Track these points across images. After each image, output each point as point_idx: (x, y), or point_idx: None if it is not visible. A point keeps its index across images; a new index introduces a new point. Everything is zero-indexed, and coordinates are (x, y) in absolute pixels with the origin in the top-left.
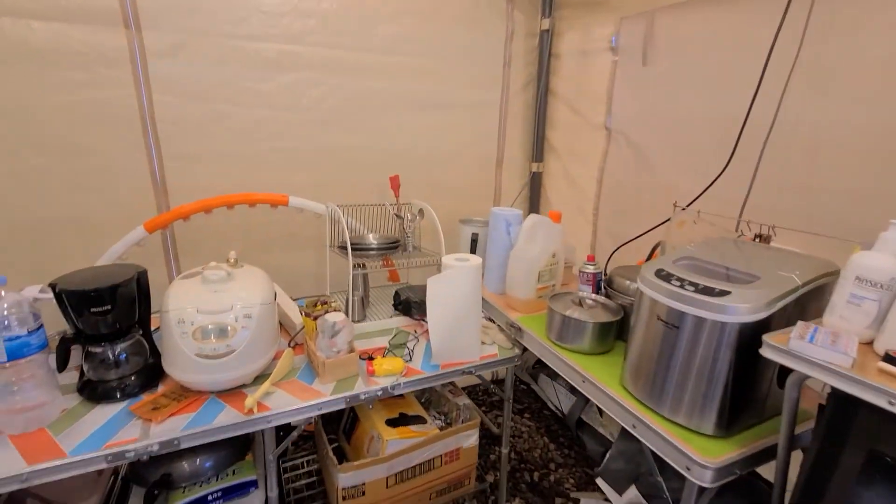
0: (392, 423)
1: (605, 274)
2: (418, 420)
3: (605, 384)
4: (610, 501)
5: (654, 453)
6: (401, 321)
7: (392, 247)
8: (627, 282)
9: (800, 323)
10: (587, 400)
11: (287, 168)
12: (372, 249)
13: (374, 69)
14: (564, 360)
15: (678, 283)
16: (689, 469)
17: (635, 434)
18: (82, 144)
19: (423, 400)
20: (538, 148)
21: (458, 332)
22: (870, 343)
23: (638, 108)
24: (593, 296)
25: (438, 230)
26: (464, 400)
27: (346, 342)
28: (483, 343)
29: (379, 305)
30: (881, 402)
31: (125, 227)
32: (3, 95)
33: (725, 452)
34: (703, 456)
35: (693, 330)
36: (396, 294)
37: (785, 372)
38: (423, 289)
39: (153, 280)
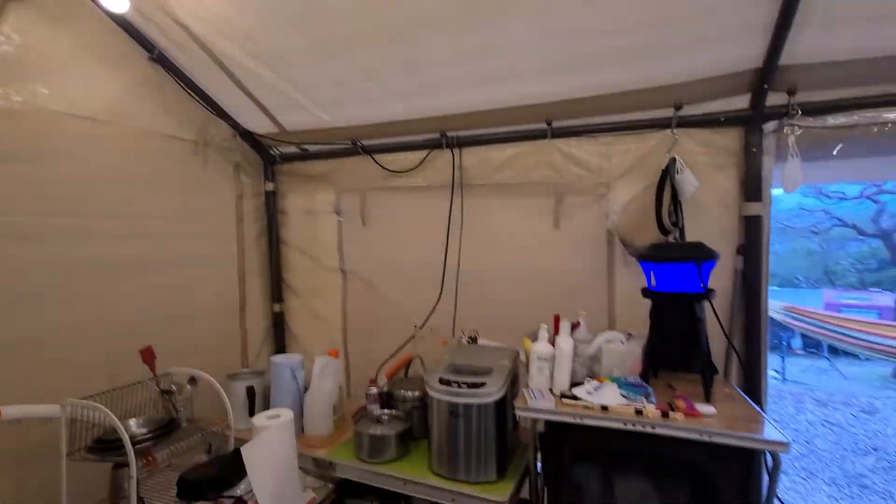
0: None
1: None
2: None
3: (421, 476)
4: None
5: None
6: None
7: (167, 429)
8: (404, 392)
9: (524, 390)
10: (400, 498)
11: None
12: (144, 440)
13: (94, 234)
14: (380, 473)
15: (456, 385)
16: None
17: None
18: None
19: None
20: (277, 289)
21: (284, 485)
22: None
23: (365, 254)
24: (385, 411)
25: (221, 392)
26: None
27: None
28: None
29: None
30: (569, 419)
31: None
32: None
33: (507, 489)
34: (497, 495)
35: (470, 414)
36: (182, 480)
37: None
38: (217, 462)
39: None
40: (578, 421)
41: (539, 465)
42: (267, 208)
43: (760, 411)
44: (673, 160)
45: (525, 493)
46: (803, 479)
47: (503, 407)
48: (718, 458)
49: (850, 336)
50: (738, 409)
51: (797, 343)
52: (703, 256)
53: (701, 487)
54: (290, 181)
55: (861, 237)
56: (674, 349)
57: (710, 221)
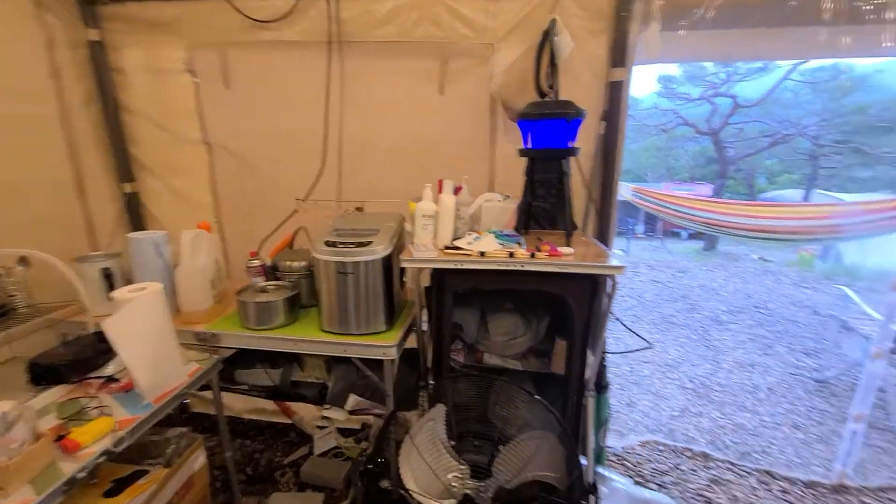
0: (111, 493)
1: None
2: (139, 475)
3: (312, 336)
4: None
5: (361, 360)
6: (53, 394)
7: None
8: (290, 262)
9: (409, 245)
10: (293, 360)
11: None
12: None
13: None
14: (270, 337)
15: (343, 246)
16: (384, 353)
17: (347, 354)
18: None
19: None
20: (125, 166)
21: (161, 358)
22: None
23: (233, 123)
24: (270, 283)
25: (68, 272)
26: (174, 431)
27: (28, 430)
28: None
29: None
30: (451, 265)
31: None
32: None
33: (396, 335)
34: (387, 342)
35: (359, 271)
36: (34, 365)
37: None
38: (75, 345)
39: None
40: (459, 266)
41: (425, 317)
42: (94, 64)
43: (607, 249)
44: (553, 21)
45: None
46: (631, 320)
47: (390, 263)
48: (573, 287)
49: (681, 211)
50: (590, 250)
51: (640, 229)
52: (573, 113)
53: (559, 314)
54: (124, 30)
55: (697, 135)
56: (543, 201)
57: (580, 88)
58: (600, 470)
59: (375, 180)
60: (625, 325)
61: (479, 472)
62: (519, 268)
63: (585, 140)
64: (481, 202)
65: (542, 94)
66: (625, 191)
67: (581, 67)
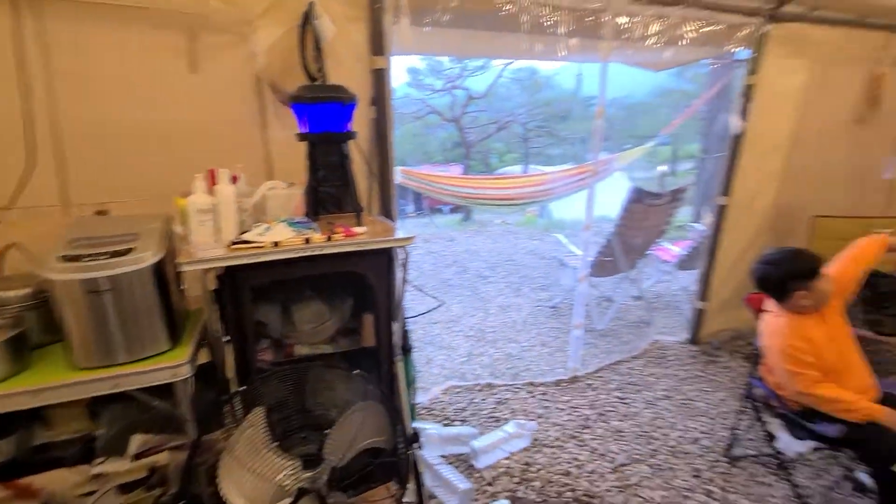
0: None
1: None
2: None
3: (60, 379)
4: None
5: (143, 391)
6: None
7: None
8: (2, 293)
9: (186, 247)
10: (32, 420)
11: None
12: None
13: None
14: None
15: (89, 259)
16: (174, 375)
17: (120, 389)
18: None
19: None
20: None
21: None
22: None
23: None
24: None
25: None
26: None
27: None
28: None
29: None
30: (245, 260)
31: None
32: None
33: (186, 351)
34: (175, 361)
35: (120, 286)
36: None
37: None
38: None
39: None
40: (254, 260)
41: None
42: None
43: (394, 225)
44: (311, 3)
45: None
46: (413, 292)
47: (162, 271)
48: (371, 264)
49: (442, 188)
50: (380, 227)
51: (410, 208)
52: (347, 97)
53: (360, 293)
54: None
55: (444, 122)
56: (329, 185)
57: (347, 72)
58: (414, 424)
59: (118, 176)
60: (419, 290)
61: (312, 461)
62: (318, 252)
63: (360, 125)
64: (264, 191)
65: (311, 78)
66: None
67: (345, 53)
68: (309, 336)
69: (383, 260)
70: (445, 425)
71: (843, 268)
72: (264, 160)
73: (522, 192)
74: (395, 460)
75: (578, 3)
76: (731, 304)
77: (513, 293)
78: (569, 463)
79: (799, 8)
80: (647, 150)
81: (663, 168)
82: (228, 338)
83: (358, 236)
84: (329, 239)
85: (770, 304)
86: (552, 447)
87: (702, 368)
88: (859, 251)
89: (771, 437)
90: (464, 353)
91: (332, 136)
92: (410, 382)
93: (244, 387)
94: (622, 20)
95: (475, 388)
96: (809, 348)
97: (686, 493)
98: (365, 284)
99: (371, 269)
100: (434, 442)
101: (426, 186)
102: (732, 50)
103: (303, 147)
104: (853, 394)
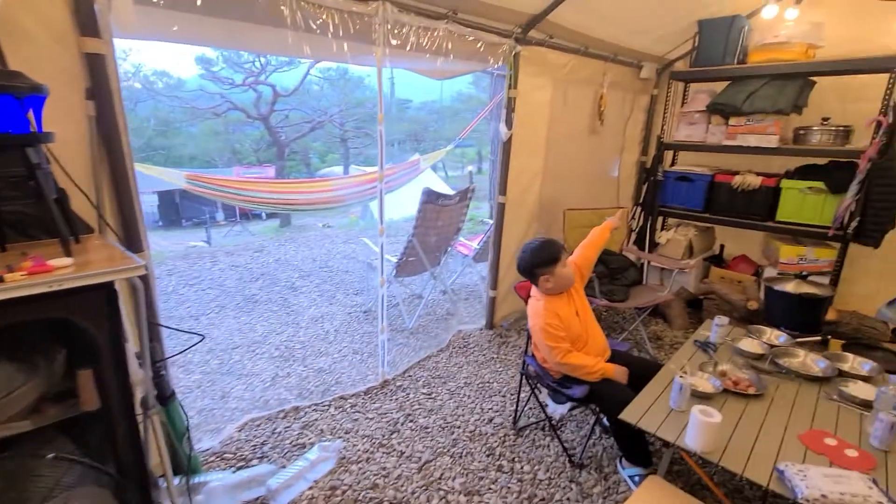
0: None
1: None
2: None
3: None
4: None
5: None
6: None
7: None
8: None
9: None
10: None
11: None
12: None
13: None
14: None
15: None
16: None
17: None
18: None
19: None
20: None
21: None
22: None
23: None
24: None
25: None
26: None
27: None
28: None
29: None
30: None
31: None
32: None
33: None
34: None
35: None
36: None
37: None
38: None
39: None
40: None
41: None
42: None
43: (125, 250)
44: None
45: None
46: (216, 312)
47: None
48: (81, 304)
49: (244, 194)
50: (101, 255)
51: (220, 216)
52: (23, 88)
53: (76, 340)
54: None
55: (250, 119)
56: (15, 203)
57: (43, 57)
58: (198, 479)
59: None
60: (168, 327)
61: None
62: None
63: (70, 123)
64: None
65: None
66: (177, 176)
67: (37, 31)
68: None
69: (100, 298)
70: (239, 468)
71: (582, 253)
72: None
73: (342, 193)
74: None
75: (346, 6)
76: None
77: (326, 302)
78: (376, 475)
79: (540, 35)
80: (447, 153)
81: (470, 168)
82: None
83: (56, 272)
84: (2, 280)
85: (533, 290)
86: (360, 462)
87: (496, 350)
88: (592, 238)
89: (543, 406)
90: (268, 378)
91: (10, 138)
92: (181, 434)
93: None
94: (392, 27)
95: (278, 415)
96: (560, 324)
97: (481, 474)
98: (78, 329)
99: (83, 311)
100: (220, 495)
101: (224, 194)
102: (496, 65)
103: None
104: (593, 358)
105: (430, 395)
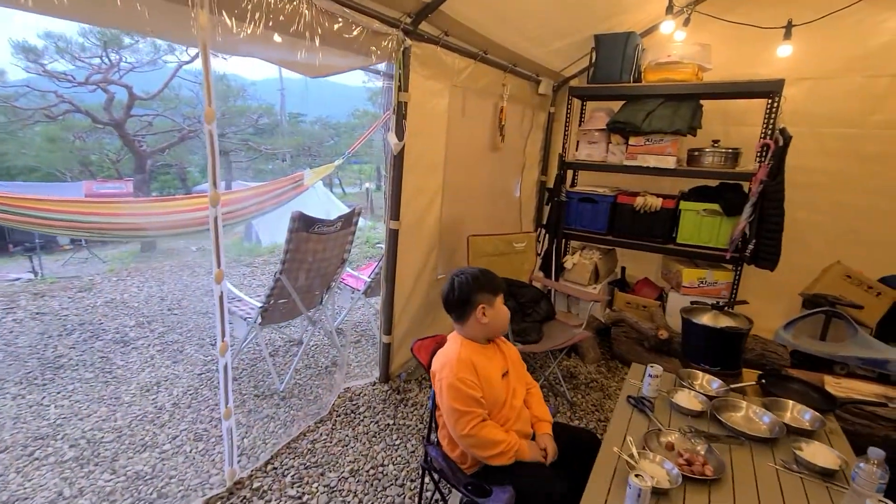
0: None
1: None
2: None
3: None
4: None
5: None
6: None
7: None
8: None
9: None
10: None
11: None
12: None
13: None
14: None
15: None
16: None
17: None
18: None
19: None
20: None
21: None
22: None
23: None
24: None
25: None
26: None
27: None
28: None
29: None
30: None
31: None
32: None
33: None
34: None
35: None
36: None
37: None
38: None
39: None
40: None
41: None
42: None
43: None
44: None
45: None
46: None
47: None
48: None
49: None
50: None
51: (65, 239)
52: None
53: None
54: None
55: (98, 125)
56: None
57: None
58: None
59: None
60: None
61: None
62: None
63: None
64: None
65: None
66: None
67: None
68: None
69: None
70: None
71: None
72: None
73: (182, 218)
74: None
75: None
76: (414, 330)
77: (169, 359)
78: None
79: (434, 30)
80: (335, 167)
81: (368, 185)
82: None
83: None
84: None
85: (451, 335)
86: None
87: (392, 413)
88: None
89: None
90: (45, 500)
91: None
92: None
93: None
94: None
95: None
96: (476, 381)
97: None
98: None
99: None
100: None
101: (22, 218)
102: (382, 62)
103: None
104: (511, 434)
105: (300, 497)
